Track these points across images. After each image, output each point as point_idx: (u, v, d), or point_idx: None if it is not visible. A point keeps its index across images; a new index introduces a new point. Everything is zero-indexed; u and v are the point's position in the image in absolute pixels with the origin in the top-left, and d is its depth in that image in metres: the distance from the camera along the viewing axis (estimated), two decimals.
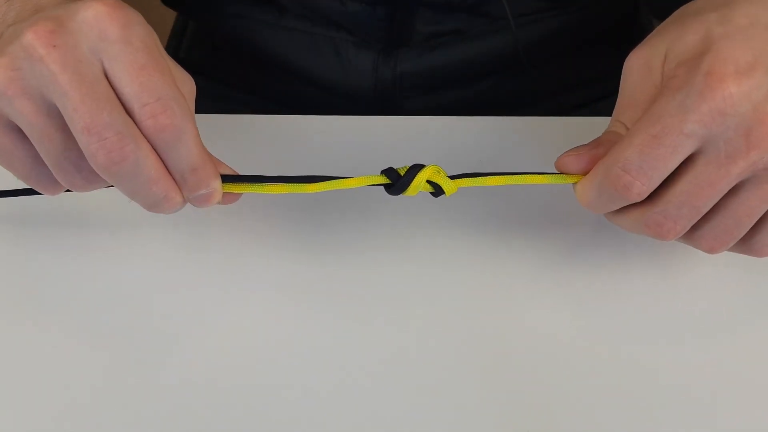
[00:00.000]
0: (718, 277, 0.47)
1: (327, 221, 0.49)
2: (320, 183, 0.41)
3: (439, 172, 0.41)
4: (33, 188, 0.40)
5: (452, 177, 0.42)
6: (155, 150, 0.37)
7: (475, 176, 0.42)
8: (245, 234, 0.49)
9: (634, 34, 0.76)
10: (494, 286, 0.46)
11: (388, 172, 0.41)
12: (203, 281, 0.46)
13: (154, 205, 0.39)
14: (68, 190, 0.40)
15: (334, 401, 0.42)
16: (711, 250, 0.40)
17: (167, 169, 0.38)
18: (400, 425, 0.41)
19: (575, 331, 0.44)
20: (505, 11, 0.59)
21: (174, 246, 0.48)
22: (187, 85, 0.39)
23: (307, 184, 0.41)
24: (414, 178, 0.41)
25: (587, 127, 0.54)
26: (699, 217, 0.39)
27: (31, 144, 0.37)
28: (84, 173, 0.37)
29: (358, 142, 0.53)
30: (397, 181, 0.41)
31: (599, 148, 0.40)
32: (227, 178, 0.41)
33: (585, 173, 0.40)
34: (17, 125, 0.37)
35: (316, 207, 0.50)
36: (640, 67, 0.40)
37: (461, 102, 0.66)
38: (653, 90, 0.39)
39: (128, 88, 0.35)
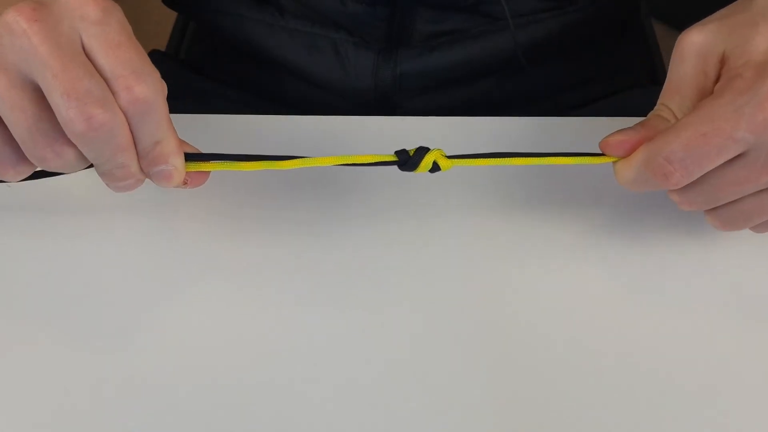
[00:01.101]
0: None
1: (308, 205, 0.49)
2: (292, 160, 0.42)
3: (443, 155, 0.43)
4: None
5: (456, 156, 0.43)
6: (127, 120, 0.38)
7: (494, 157, 0.43)
8: (219, 219, 0.49)
9: (635, 34, 0.76)
10: (498, 274, 0.46)
11: (400, 152, 0.43)
12: (177, 267, 0.47)
13: (111, 173, 0.40)
14: (28, 178, 0.41)
15: (317, 392, 0.41)
16: (717, 228, 0.43)
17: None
18: (395, 417, 0.41)
19: (583, 324, 0.44)
20: (505, 11, 0.59)
21: (147, 232, 0.48)
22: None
23: (280, 161, 0.42)
24: (424, 157, 0.43)
25: (586, 128, 0.54)
26: (715, 206, 0.41)
27: None
28: (55, 145, 0.38)
29: (358, 142, 0.53)
30: (408, 160, 0.43)
31: (644, 133, 0.41)
32: (192, 157, 0.41)
33: (627, 155, 0.42)
34: None
35: (295, 191, 0.50)
36: (694, 54, 0.40)
37: (460, 102, 0.66)
38: (703, 78, 0.40)
39: (104, 60, 0.37)
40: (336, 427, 0.40)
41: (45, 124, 0.37)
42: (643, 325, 0.44)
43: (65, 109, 0.36)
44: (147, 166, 0.40)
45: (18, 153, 0.39)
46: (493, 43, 0.62)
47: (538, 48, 0.63)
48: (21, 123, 0.37)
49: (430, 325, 0.44)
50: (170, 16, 0.82)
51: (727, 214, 0.41)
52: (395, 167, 0.44)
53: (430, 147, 0.43)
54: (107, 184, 0.41)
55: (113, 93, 0.37)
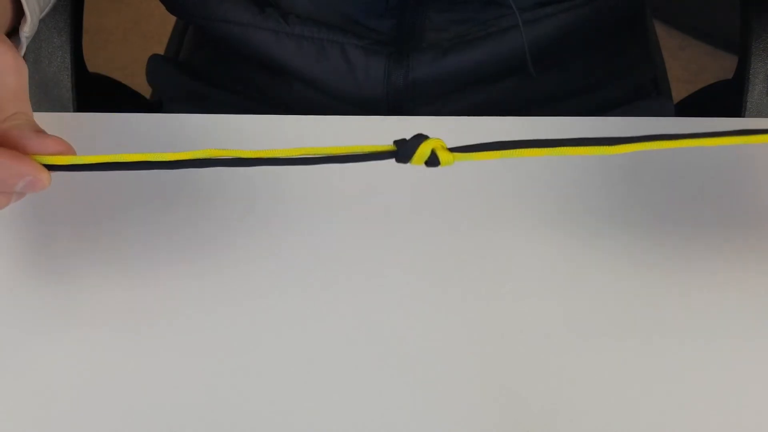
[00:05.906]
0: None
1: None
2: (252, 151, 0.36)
3: (443, 146, 0.38)
4: None
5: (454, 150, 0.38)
6: None
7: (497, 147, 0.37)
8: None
9: (638, 38, 0.76)
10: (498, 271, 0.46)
11: (399, 142, 0.38)
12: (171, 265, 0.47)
13: None
14: None
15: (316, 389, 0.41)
16: None
17: None
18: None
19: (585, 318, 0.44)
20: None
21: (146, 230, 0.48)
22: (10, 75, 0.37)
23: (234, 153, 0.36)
24: (420, 145, 0.37)
25: (597, 129, 0.54)
26: None
27: None
28: None
29: (364, 142, 0.53)
30: (401, 148, 0.37)
31: None
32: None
33: None
34: None
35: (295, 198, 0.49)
36: None
37: (470, 108, 0.65)
38: None
39: None
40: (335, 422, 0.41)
41: None
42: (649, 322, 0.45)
43: None
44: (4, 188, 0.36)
45: None
46: (504, 46, 0.62)
47: (549, 47, 0.62)
48: None
49: (430, 321, 0.44)
50: (170, 18, 0.81)
51: None
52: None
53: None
54: None
55: None
